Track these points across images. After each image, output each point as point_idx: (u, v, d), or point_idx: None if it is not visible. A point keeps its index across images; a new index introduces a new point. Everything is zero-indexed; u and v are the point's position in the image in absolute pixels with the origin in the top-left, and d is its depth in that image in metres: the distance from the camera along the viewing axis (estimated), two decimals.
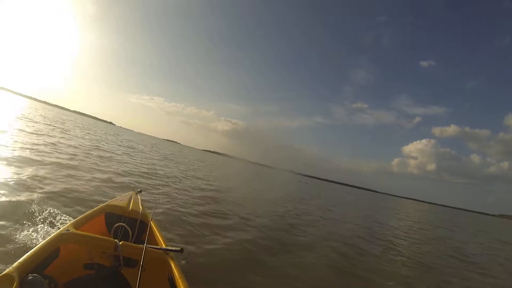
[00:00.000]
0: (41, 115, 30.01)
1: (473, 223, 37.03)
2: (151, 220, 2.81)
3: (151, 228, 2.66)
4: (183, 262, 3.38)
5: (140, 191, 3.90)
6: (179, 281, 1.91)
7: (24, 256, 1.72)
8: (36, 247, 1.88)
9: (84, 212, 2.79)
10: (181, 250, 2.16)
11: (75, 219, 2.52)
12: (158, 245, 2.36)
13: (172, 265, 2.07)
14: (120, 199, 3.40)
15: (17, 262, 1.64)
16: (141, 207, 3.14)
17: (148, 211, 3.18)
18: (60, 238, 2.07)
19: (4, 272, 1.50)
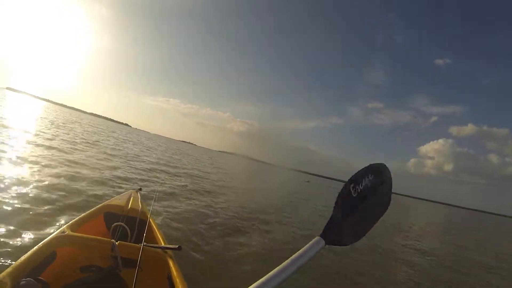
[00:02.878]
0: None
1: None
2: (149, 217, 2.68)
3: (149, 226, 2.54)
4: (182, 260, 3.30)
5: (140, 189, 3.80)
6: (178, 280, 1.82)
7: (18, 261, 1.61)
8: (31, 251, 1.77)
9: (82, 214, 2.67)
10: (179, 248, 2.06)
11: (71, 221, 2.43)
12: (157, 243, 2.27)
13: (171, 263, 1.98)
14: (119, 198, 3.29)
15: (11, 267, 1.53)
16: (140, 205, 3.02)
17: (148, 208, 3.06)
18: (56, 241, 1.98)
19: None
